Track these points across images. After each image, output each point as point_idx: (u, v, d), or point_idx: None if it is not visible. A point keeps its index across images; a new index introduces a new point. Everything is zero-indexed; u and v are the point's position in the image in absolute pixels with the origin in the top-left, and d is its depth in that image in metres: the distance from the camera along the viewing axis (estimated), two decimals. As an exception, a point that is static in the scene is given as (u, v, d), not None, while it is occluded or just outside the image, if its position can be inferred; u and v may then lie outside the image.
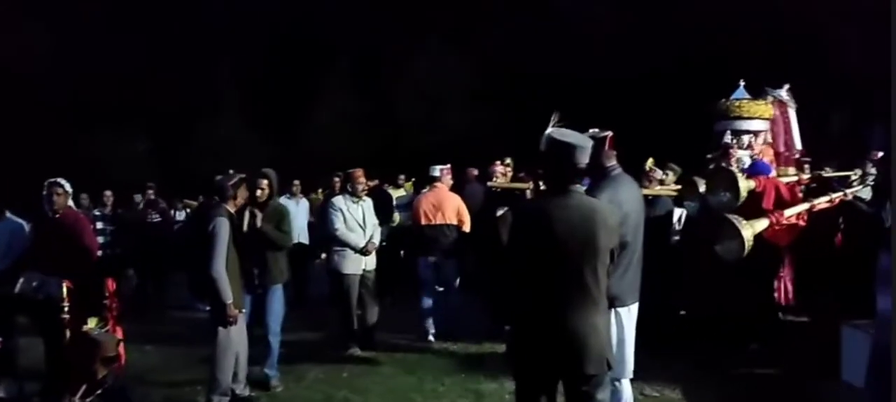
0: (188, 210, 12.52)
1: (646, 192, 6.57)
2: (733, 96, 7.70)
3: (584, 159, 3.33)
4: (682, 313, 7.18)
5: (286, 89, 20.81)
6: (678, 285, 6.83)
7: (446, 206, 7.62)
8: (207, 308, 5.33)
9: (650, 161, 7.61)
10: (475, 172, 9.51)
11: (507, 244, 3.56)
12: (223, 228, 5.10)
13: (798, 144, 7.80)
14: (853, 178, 6.84)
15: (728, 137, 7.50)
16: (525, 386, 3.47)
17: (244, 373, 5.53)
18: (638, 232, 4.09)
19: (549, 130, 3.45)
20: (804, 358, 6.13)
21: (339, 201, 7.20)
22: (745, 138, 7.56)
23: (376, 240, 7.28)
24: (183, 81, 20.53)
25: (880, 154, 7.06)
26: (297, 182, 10.19)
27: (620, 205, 3.89)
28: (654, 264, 6.31)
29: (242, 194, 5.48)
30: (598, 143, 4.05)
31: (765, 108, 7.57)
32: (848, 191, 6.29)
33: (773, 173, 7.02)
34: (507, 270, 3.57)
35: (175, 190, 12.97)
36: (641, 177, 7.64)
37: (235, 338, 5.28)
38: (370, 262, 7.16)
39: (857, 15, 11.61)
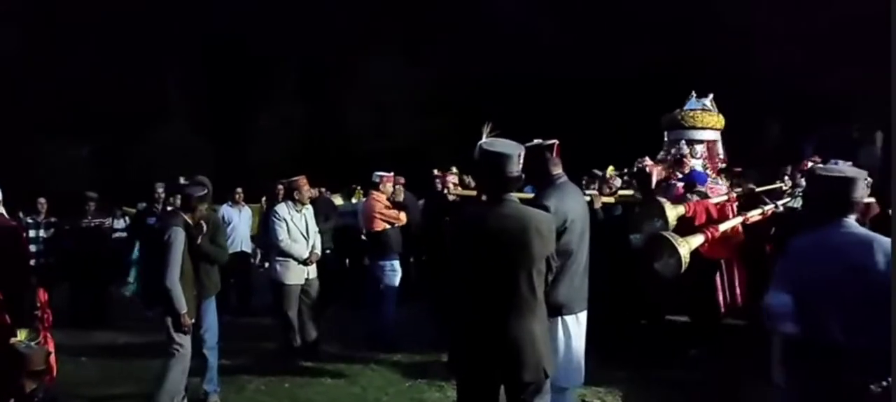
0: (127, 218, 12.22)
1: (605, 199, 6.70)
2: (686, 107, 7.83)
3: (515, 168, 3.36)
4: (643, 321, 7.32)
5: (231, 96, 20.48)
6: (635, 290, 6.95)
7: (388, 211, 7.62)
8: (165, 317, 5.18)
9: (610, 169, 7.72)
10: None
11: (446, 253, 3.58)
12: (179, 237, 5.06)
13: (720, 153, 7.97)
14: (785, 189, 7.04)
15: (683, 147, 7.63)
16: (466, 394, 3.48)
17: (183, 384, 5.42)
18: (583, 240, 4.13)
19: (481, 141, 3.50)
20: (739, 362, 6.29)
21: (282, 209, 7.11)
22: (699, 148, 7.70)
23: (318, 250, 7.25)
24: (125, 86, 20.03)
25: (809, 164, 7.29)
26: (239, 190, 10.04)
27: (566, 213, 3.94)
28: (612, 269, 6.52)
29: (204, 207, 5.43)
30: (544, 151, 4.10)
31: (717, 118, 7.73)
32: (779, 203, 6.47)
33: (709, 181, 7.19)
34: (450, 278, 3.59)
35: (115, 198, 12.63)
36: (600, 183, 7.77)
37: (186, 350, 5.22)
38: (312, 271, 7.12)
39: (795, 33, 12.04)
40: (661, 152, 8.24)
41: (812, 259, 2.87)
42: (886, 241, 2.83)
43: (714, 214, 6.51)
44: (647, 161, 7.76)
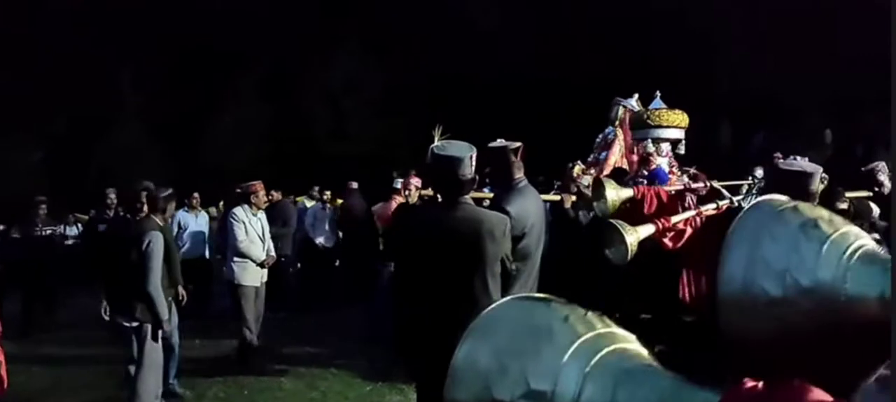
0: (79, 225, 11.98)
1: (573, 197, 6.77)
2: (651, 106, 7.95)
3: (468, 171, 3.37)
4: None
5: (188, 98, 20.14)
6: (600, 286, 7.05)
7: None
8: (132, 324, 5.12)
9: (578, 167, 7.80)
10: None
11: (399, 256, 3.59)
12: (159, 243, 5.04)
13: (682, 150, 8.11)
14: (745, 186, 7.18)
15: (649, 146, 7.75)
16: (426, 397, 3.49)
17: (159, 389, 5.40)
18: (539, 244, 4.15)
19: (433, 145, 3.51)
20: (704, 357, 6.37)
21: (240, 212, 7.09)
22: (664, 146, 7.81)
23: (273, 253, 7.33)
24: (78, 88, 19.56)
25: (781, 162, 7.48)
26: (196, 195, 9.89)
27: (526, 218, 3.95)
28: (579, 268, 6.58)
29: (172, 208, 5.37)
30: (508, 153, 4.10)
31: (681, 117, 7.85)
32: (735, 198, 6.60)
33: (674, 179, 7.32)
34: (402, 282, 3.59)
35: (67, 203, 12.38)
36: (567, 182, 7.84)
37: (160, 355, 5.21)
38: (264, 274, 7.13)
39: (744, 36, 12.30)
40: (592, 154, 8.38)
41: None
42: None
43: (664, 200, 6.62)
44: (579, 165, 7.88)
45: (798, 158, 4.56)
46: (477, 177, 3.47)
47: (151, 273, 4.96)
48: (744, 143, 12.03)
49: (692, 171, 8.40)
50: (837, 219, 1.68)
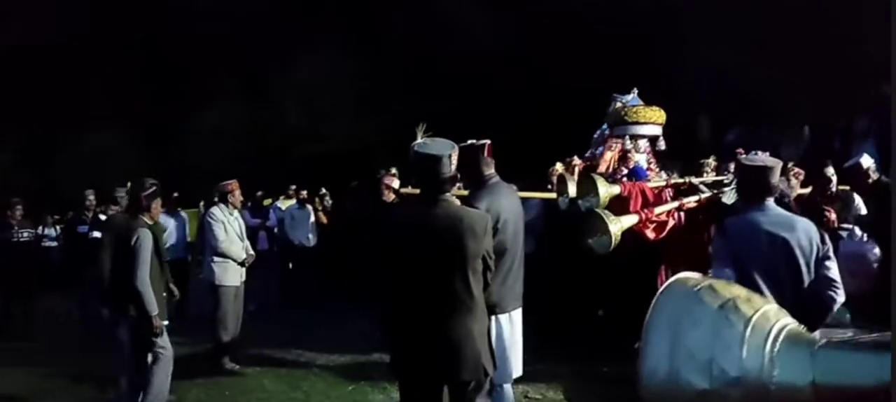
0: (58, 227, 11.84)
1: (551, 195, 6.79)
2: (629, 103, 7.96)
3: (448, 169, 3.39)
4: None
5: (165, 98, 19.95)
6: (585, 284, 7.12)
7: None
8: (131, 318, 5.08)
9: (558, 165, 7.82)
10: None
11: (380, 254, 3.60)
12: (147, 240, 5.05)
13: (662, 146, 8.15)
14: (726, 181, 7.24)
15: (627, 143, 7.77)
16: (409, 396, 3.49)
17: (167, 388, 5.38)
18: (517, 239, 4.17)
19: (414, 143, 3.52)
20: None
21: (217, 212, 7.04)
22: (642, 143, 7.84)
23: (252, 252, 7.30)
24: (52, 87, 19.30)
25: (741, 152, 7.54)
26: (175, 195, 9.81)
27: (498, 213, 3.97)
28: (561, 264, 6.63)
29: (157, 205, 5.35)
30: (477, 152, 4.13)
31: (658, 113, 7.88)
32: (715, 192, 6.68)
33: (652, 176, 7.37)
34: (384, 279, 3.60)
35: (44, 205, 12.22)
36: (548, 180, 7.86)
37: (169, 352, 5.22)
38: (243, 274, 7.09)
39: (722, 33, 12.41)
40: (589, 150, 8.39)
41: (743, 237, 3.27)
42: (806, 222, 3.32)
43: (650, 197, 6.68)
44: (576, 160, 7.91)
45: (760, 153, 4.64)
46: (458, 175, 3.48)
47: (139, 268, 4.97)
48: (722, 138, 12.14)
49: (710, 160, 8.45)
50: (755, 296, 1.67)
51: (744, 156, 4.71)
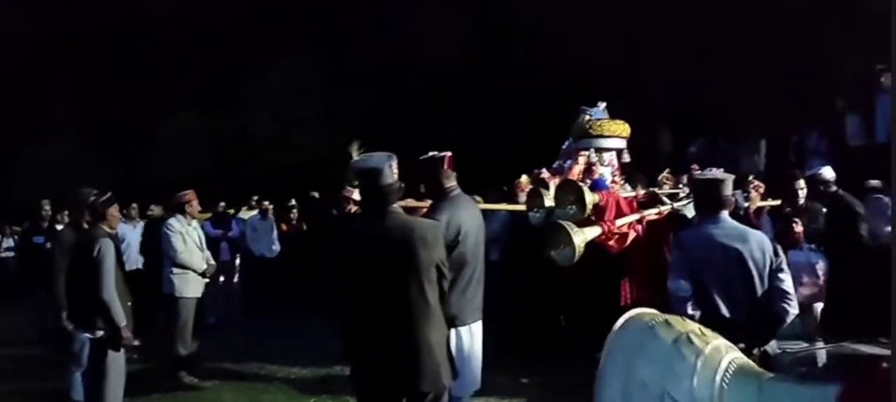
0: (16, 237, 11.60)
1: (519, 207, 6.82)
2: (595, 116, 8.03)
3: (390, 179, 3.39)
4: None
5: (124, 106, 19.58)
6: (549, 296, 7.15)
7: None
8: (96, 335, 4.96)
9: (524, 177, 7.86)
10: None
11: (334, 268, 3.59)
12: (109, 250, 4.94)
13: (626, 159, 8.25)
14: (682, 194, 7.35)
15: (592, 155, 7.84)
16: (367, 409, 3.47)
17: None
18: (477, 251, 4.18)
19: (353, 160, 3.53)
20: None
21: (175, 223, 6.94)
22: (606, 156, 7.90)
23: (213, 263, 7.25)
24: (8, 93, 18.84)
25: (697, 168, 7.67)
26: (134, 205, 9.66)
27: (459, 225, 3.98)
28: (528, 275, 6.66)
29: (115, 213, 5.24)
30: (437, 164, 4.13)
31: (623, 127, 7.95)
32: (675, 204, 6.78)
33: (617, 189, 7.45)
34: (338, 293, 3.59)
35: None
36: (515, 191, 7.89)
37: (122, 366, 5.09)
38: (203, 285, 7.00)
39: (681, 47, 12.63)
40: (557, 162, 8.45)
41: (698, 248, 3.37)
42: (760, 234, 3.47)
43: (624, 207, 6.78)
44: (545, 172, 7.97)
45: (714, 169, 4.73)
46: (403, 185, 3.48)
47: (104, 279, 4.85)
48: (683, 151, 12.32)
49: (664, 175, 8.59)
50: (708, 332, 1.72)
51: (698, 172, 4.80)
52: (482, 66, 16.50)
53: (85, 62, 19.95)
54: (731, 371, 1.58)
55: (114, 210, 5.20)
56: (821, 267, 5.81)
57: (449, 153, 4.16)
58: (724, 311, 3.25)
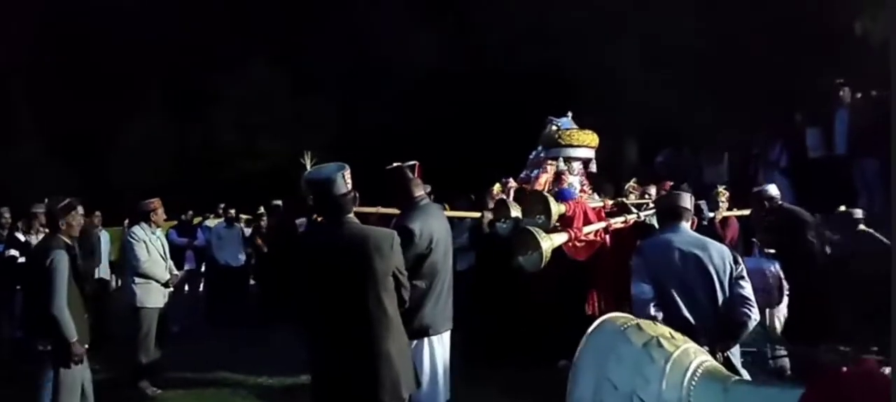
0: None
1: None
2: (563, 126, 8.10)
3: (343, 188, 3.39)
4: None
5: (87, 112, 19.23)
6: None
7: None
8: (45, 348, 4.85)
9: (497, 186, 7.90)
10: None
11: (296, 277, 3.57)
12: (62, 261, 4.78)
13: (594, 168, 8.35)
14: (650, 204, 7.45)
15: (561, 164, 7.91)
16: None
17: None
18: (447, 260, 4.19)
19: (305, 172, 3.54)
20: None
21: (139, 231, 6.85)
22: (576, 165, 7.99)
23: (177, 272, 7.24)
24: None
25: (670, 184, 7.80)
26: (98, 213, 9.50)
27: (430, 234, 3.99)
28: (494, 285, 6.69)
29: (76, 220, 5.08)
30: (404, 173, 4.14)
31: (592, 136, 8.05)
32: (641, 214, 6.88)
33: (586, 198, 7.53)
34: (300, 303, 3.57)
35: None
36: (487, 200, 7.92)
37: (79, 376, 4.94)
38: (166, 295, 6.92)
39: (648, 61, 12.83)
40: (525, 171, 8.51)
41: (658, 254, 3.52)
42: (719, 244, 3.62)
43: (591, 216, 6.85)
44: (512, 182, 8.02)
45: (684, 186, 4.88)
46: (356, 194, 3.48)
47: (54, 294, 4.72)
48: (649, 161, 12.50)
49: (630, 184, 8.72)
50: (678, 335, 1.77)
51: (670, 190, 4.94)
52: (448, 74, 16.55)
53: (46, 67, 19.58)
54: (698, 374, 1.62)
55: (71, 218, 5.02)
56: (772, 271, 6.02)
57: (415, 162, 4.17)
58: (686, 313, 3.35)
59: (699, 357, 1.68)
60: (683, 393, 1.59)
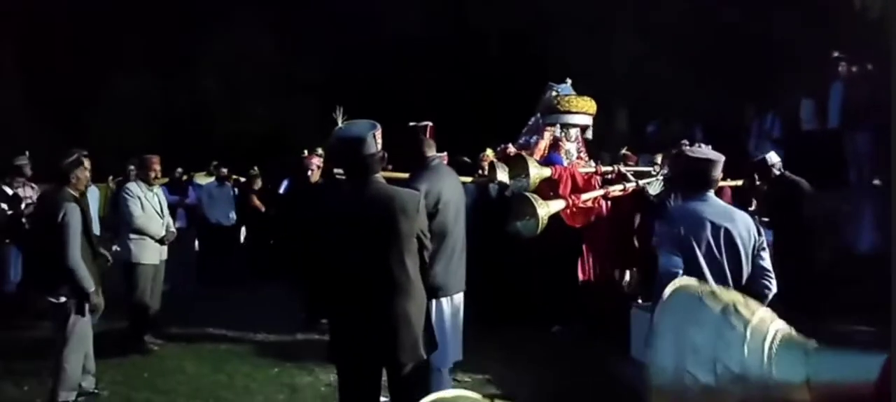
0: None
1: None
2: (561, 92, 8.08)
3: (373, 148, 3.36)
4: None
5: (71, 65, 18.87)
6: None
7: None
8: (59, 301, 4.87)
9: (489, 151, 7.88)
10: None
11: (313, 236, 3.56)
12: (74, 215, 4.84)
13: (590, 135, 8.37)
14: (653, 173, 7.47)
15: (557, 131, 7.90)
16: (347, 380, 3.46)
17: (92, 364, 5.24)
18: (458, 222, 4.18)
19: (336, 128, 3.50)
20: (601, 338, 6.65)
21: (134, 187, 6.79)
22: (573, 132, 7.97)
23: (174, 229, 7.14)
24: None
25: (674, 151, 7.82)
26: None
27: (438, 194, 3.98)
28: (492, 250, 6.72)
29: (84, 174, 5.10)
30: (418, 133, 4.13)
31: (590, 103, 8.03)
32: (640, 182, 6.90)
33: (583, 165, 7.54)
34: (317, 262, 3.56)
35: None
36: (480, 165, 7.92)
37: (88, 329, 5.03)
38: (164, 252, 6.89)
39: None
40: (523, 137, 8.49)
41: (689, 224, 3.38)
42: (744, 214, 3.53)
43: (579, 182, 6.88)
44: (510, 148, 8.02)
45: (703, 145, 4.81)
46: (385, 154, 3.45)
47: (69, 246, 4.77)
48: (639, 131, 12.55)
49: (623, 152, 8.74)
50: (751, 301, 1.78)
51: (688, 147, 4.89)
52: (441, 37, 16.44)
53: (34, 22, 19.15)
54: (777, 340, 1.64)
55: (80, 172, 5.04)
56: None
57: (430, 123, 4.15)
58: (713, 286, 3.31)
59: (776, 323, 1.70)
60: (765, 359, 1.61)
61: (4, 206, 8.00)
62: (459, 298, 4.16)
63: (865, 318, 5.79)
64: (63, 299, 4.87)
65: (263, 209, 10.68)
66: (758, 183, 6.68)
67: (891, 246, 3.27)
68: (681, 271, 3.26)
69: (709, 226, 3.35)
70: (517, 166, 6.52)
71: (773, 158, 6.61)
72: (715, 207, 3.46)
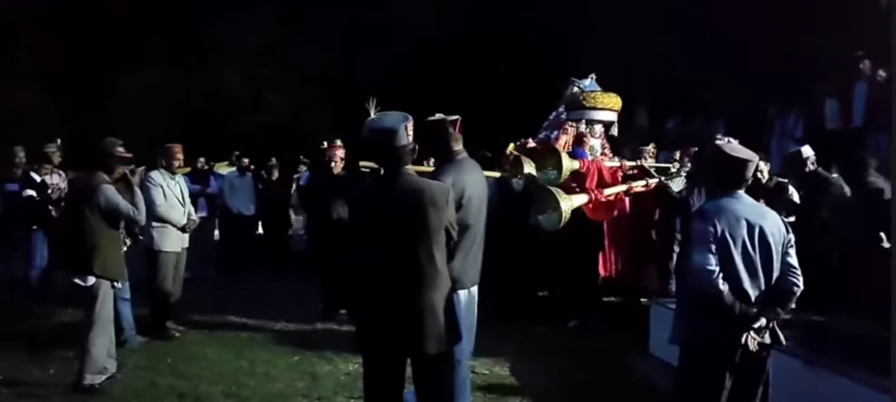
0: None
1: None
2: (586, 88, 8.07)
3: (404, 140, 3.37)
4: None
5: (96, 60, 19.03)
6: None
7: None
8: (86, 283, 5.02)
9: (511, 146, 7.90)
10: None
11: (345, 228, 3.58)
12: (112, 191, 5.08)
13: (615, 132, 8.35)
14: (673, 169, 7.46)
15: (582, 126, 7.89)
16: (373, 370, 3.49)
17: (114, 347, 5.32)
18: (480, 216, 4.20)
19: (368, 119, 3.52)
20: (618, 333, 6.66)
21: (156, 176, 6.89)
22: (597, 128, 7.96)
23: (195, 217, 7.23)
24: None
25: (695, 149, 7.79)
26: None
27: (463, 188, 3.99)
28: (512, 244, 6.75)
29: (119, 170, 5.31)
30: (446, 127, 4.14)
31: (615, 100, 8.02)
32: (663, 177, 6.89)
33: (606, 161, 7.53)
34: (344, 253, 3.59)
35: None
36: (500, 161, 7.93)
37: (111, 314, 5.18)
38: (186, 240, 6.98)
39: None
40: (544, 131, 8.49)
41: (726, 224, 3.33)
42: (774, 212, 3.49)
43: (606, 175, 6.88)
44: (531, 142, 8.02)
45: (733, 141, 4.77)
46: (416, 146, 3.47)
47: (138, 208, 5.28)
48: (659, 127, 12.49)
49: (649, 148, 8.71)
50: None
51: (723, 142, 4.84)
52: (457, 30, 16.43)
53: (53, 12, 19.32)
54: None
55: (126, 168, 5.34)
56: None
57: (458, 117, 4.17)
58: (746, 286, 3.28)
59: None
60: None
61: (33, 192, 8.12)
62: (475, 290, 4.19)
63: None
64: (91, 281, 4.97)
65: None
66: (780, 180, 6.59)
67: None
68: (716, 269, 3.23)
69: (745, 224, 3.31)
70: (547, 159, 6.51)
71: (807, 150, 6.54)
72: (748, 205, 3.42)
